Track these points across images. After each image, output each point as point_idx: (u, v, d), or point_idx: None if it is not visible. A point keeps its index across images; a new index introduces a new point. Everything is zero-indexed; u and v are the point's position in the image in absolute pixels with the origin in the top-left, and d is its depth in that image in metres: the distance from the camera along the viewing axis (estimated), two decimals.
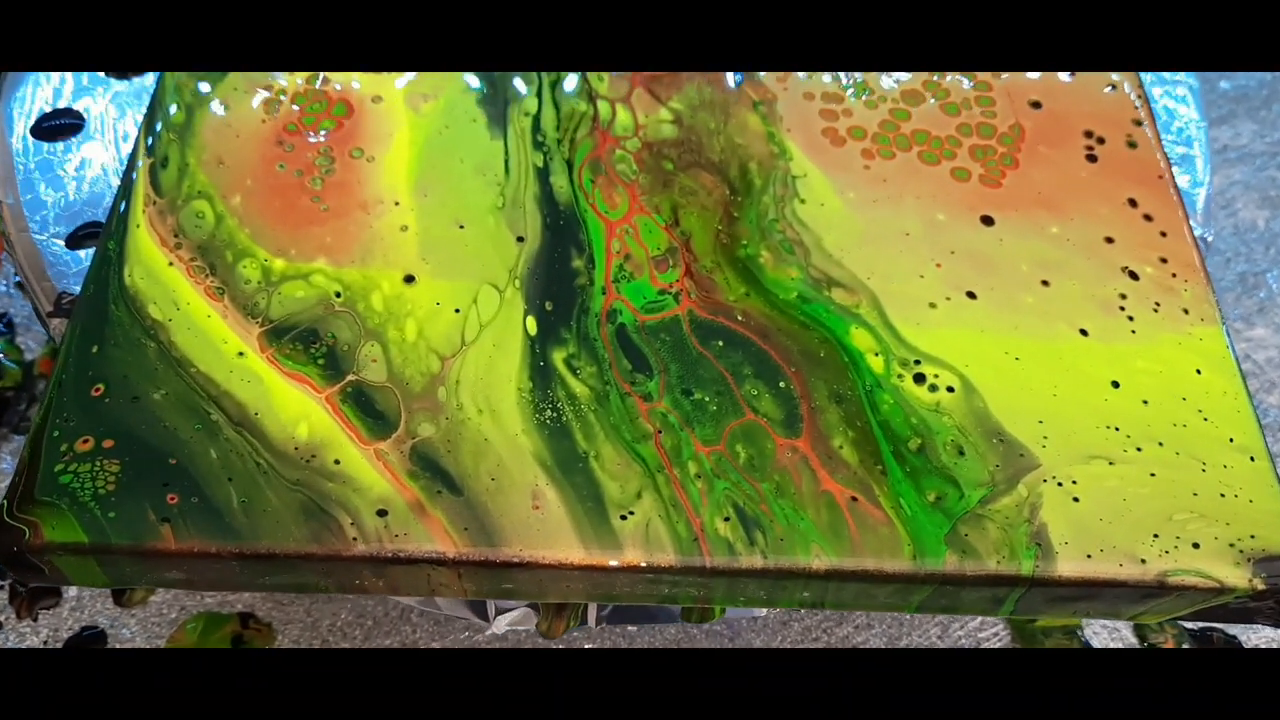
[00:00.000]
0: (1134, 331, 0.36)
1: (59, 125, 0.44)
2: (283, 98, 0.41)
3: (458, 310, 0.36)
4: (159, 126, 0.40)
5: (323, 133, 0.40)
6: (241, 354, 0.34)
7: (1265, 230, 0.61)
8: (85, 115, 0.44)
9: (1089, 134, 0.41)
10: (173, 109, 0.40)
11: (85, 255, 0.41)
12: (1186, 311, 0.37)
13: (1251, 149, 0.64)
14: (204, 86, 0.41)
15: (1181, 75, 0.49)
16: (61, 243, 0.41)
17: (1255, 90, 0.66)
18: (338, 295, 0.36)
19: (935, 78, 0.42)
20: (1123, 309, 0.37)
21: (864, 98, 0.42)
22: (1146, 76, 0.47)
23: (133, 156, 0.39)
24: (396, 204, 0.38)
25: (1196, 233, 0.43)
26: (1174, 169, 0.41)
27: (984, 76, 0.42)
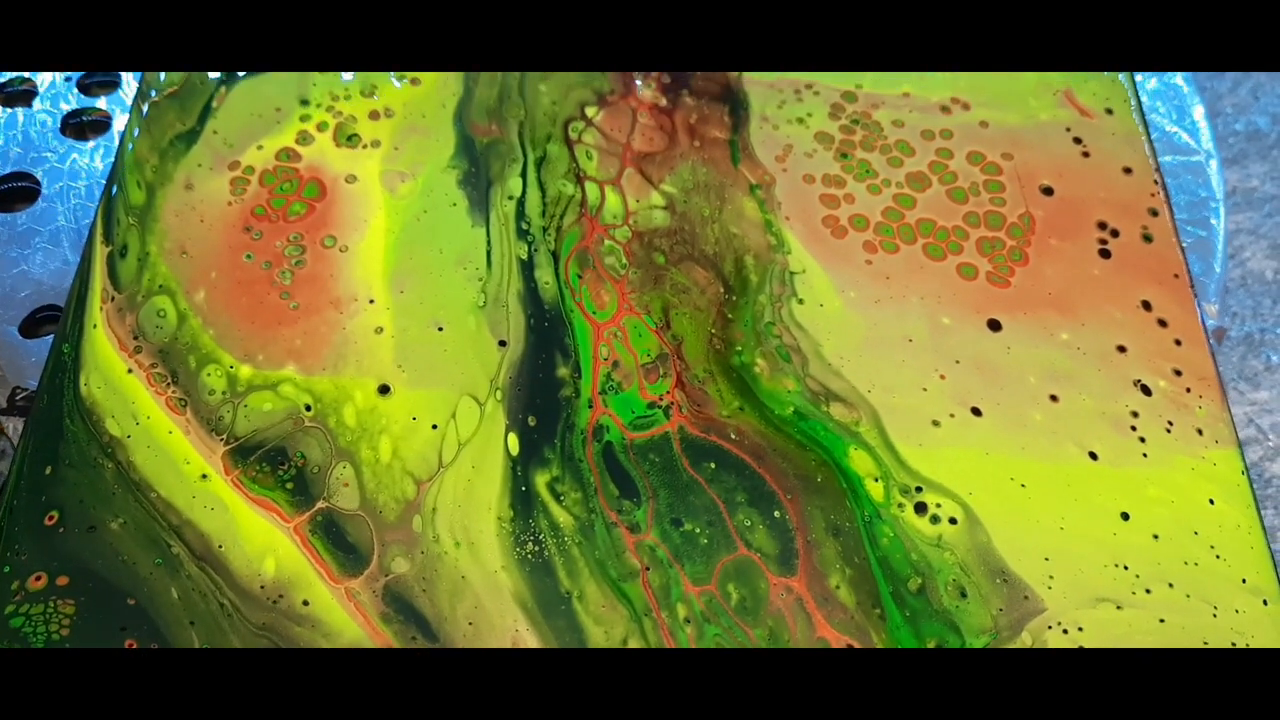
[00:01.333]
0: (1145, 455, 0.35)
1: (11, 190, 0.42)
2: (250, 175, 0.38)
3: (435, 426, 0.34)
4: (117, 207, 0.37)
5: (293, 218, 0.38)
6: (205, 476, 0.32)
7: (1273, 281, 0.59)
8: (40, 179, 0.42)
9: (1102, 225, 0.39)
10: (132, 188, 0.38)
11: (46, 345, 0.38)
12: (1200, 432, 0.35)
13: (1262, 192, 0.62)
14: (167, 163, 0.38)
15: (1204, 143, 0.47)
16: (14, 329, 0.38)
17: (1268, 129, 0.64)
18: (308, 408, 0.34)
19: (942, 159, 0.40)
20: (1134, 429, 0.35)
21: (867, 181, 0.40)
22: (1165, 154, 0.45)
23: (90, 241, 0.37)
24: (371, 301, 0.36)
25: (1211, 324, 0.42)
26: (1189, 254, 0.39)
27: (994, 158, 0.40)
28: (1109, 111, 0.42)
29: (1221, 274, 0.44)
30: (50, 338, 0.38)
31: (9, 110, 0.43)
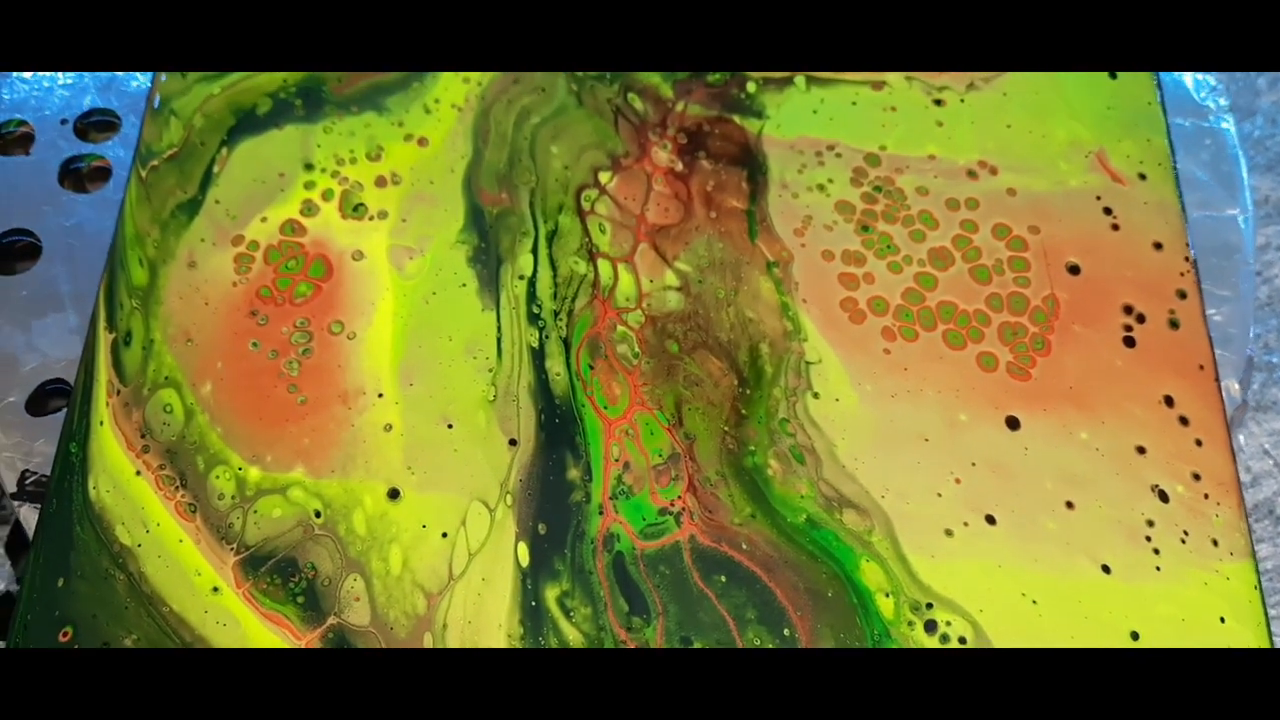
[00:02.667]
0: (1159, 568, 0.34)
1: (10, 246, 0.41)
2: (254, 251, 0.37)
3: (445, 535, 0.34)
4: (119, 289, 0.37)
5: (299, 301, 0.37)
6: (216, 589, 0.33)
7: None
8: (40, 237, 0.41)
9: (1128, 309, 0.38)
10: (135, 266, 0.37)
11: (52, 422, 0.38)
12: (1216, 543, 0.35)
13: None
14: (168, 237, 0.37)
15: (1244, 201, 0.45)
16: (21, 404, 0.38)
17: None
18: (317, 515, 0.34)
19: (966, 231, 0.39)
20: (1149, 539, 0.35)
21: (888, 258, 0.39)
22: (1194, 209, 0.44)
23: (93, 326, 0.36)
24: (380, 396, 0.35)
25: (1234, 403, 0.41)
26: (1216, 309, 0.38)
27: (1020, 231, 0.39)
28: (1142, 177, 0.40)
29: (1249, 339, 0.43)
30: (58, 414, 0.38)
31: (4, 158, 0.41)
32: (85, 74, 0.43)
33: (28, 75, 0.43)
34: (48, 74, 0.43)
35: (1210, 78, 0.47)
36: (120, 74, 0.43)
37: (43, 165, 0.42)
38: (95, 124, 0.43)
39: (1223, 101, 0.46)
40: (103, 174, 0.42)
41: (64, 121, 0.42)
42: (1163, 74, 0.45)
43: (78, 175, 0.42)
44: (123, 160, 0.42)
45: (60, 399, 0.38)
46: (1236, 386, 0.42)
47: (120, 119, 0.43)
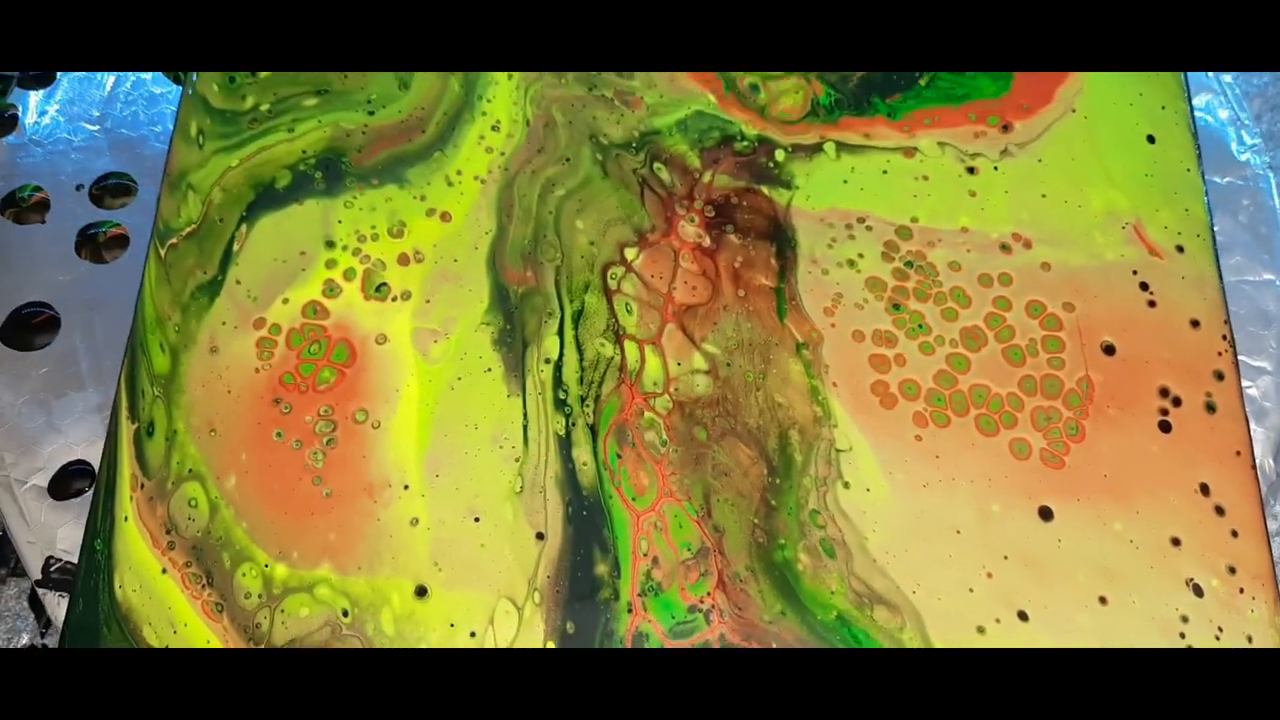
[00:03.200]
0: None
1: (28, 317, 0.40)
2: (276, 335, 0.37)
3: (473, 634, 0.33)
4: (141, 377, 0.36)
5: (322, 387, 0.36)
6: None
7: None
8: (58, 310, 0.40)
9: (1164, 392, 0.37)
10: (156, 352, 0.36)
11: (76, 506, 0.38)
12: (1250, 639, 0.34)
13: None
14: (189, 320, 0.37)
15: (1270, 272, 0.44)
16: (44, 488, 0.38)
17: None
18: (345, 614, 0.33)
19: (999, 309, 0.38)
20: (1183, 635, 0.34)
21: (920, 338, 0.38)
22: (1230, 274, 0.43)
23: (115, 414, 0.36)
24: (406, 488, 0.35)
25: (1269, 482, 0.40)
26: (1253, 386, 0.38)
27: (1054, 309, 0.38)
28: (1180, 249, 0.39)
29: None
30: (82, 497, 0.38)
31: (21, 226, 0.41)
32: (99, 135, 0.43)
33: (41, 139, 0.42)
34: (62, 138, 0.42)
35: (1249, 133, 0.46)
36: (134, 136, 0.43)
37: (59, 233, 0.41)
38: (111, 188, 0.42)
39: (1265, 158, 0.45)
40: (120, 242, 0.41)
41: (79, 187, 0.42)
42: (1202, 129, 0.44)
43: (95, 243, 0.41)
44: (140, 227, 0.41)
45: (83, 480, 0.38)
46: (1271, 463, 0.41)
47: (136, 183, 0.42)
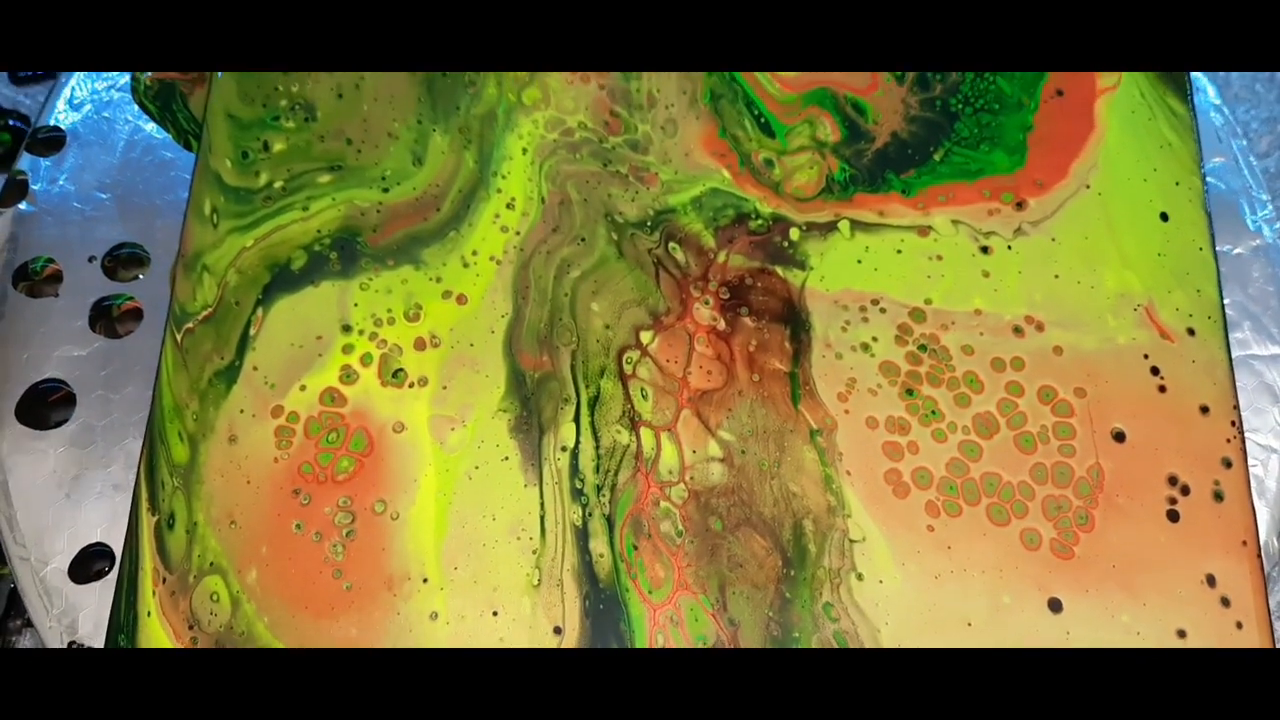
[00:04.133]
0: None
1: (44, 393, 0.40)
2: (294, 424, 0.37)
3: None
4: (160, 467, 0.36)
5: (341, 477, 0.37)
6: None
7: None
8: (74, 389, 0.40)
9: (1173, 480, 0.38)
10: (175, 441, 0.37)
11: (97, 589, 0.38)
12: None
13: None
14: (207, 408, 0.37)
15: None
16: (64, 570, 0.38)
17: None
18: None
19: (1012, 395, 0.39)
20: None
21: (933, 425, 0.38)
22: (1239, 348, 0.43)
23: (135, 505, 0.36)
24: (425, 581, 0.36)
25: (1273, 564, 0.41)
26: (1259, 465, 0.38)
27: (1066, 394, 0.39)
28: (1191, 332, 0.40)
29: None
30: (103, 581, 0.38)
31: (34, 299, 0.41)
32: (110, 204, 0.42)
33: (52, 208, 0.42)
34: (74, 207, 0.42)
35: (1259, 205, 0.46)
36: (146, 205, 0.42)
37: (73, 307, 0.41)
38: (124, 260, 0.42)
39: (1277, 228, 0.45)
40: (135, 315, 0.41)
41: (91, 259, 0.42)
42: (1213, 195, 0.44)
43: (109, 317, 0.41)
44: (154, 300, 0.41)
45: (103, 561, 0.38)
46: (1276, 542, 0.42)
47: (149, 254, 0.42)
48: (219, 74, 0.41)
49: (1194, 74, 0.47)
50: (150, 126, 0.44)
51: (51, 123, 0.44)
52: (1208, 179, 0.44)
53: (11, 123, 0.60)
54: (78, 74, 0.45)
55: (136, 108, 0.44)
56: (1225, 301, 0.41)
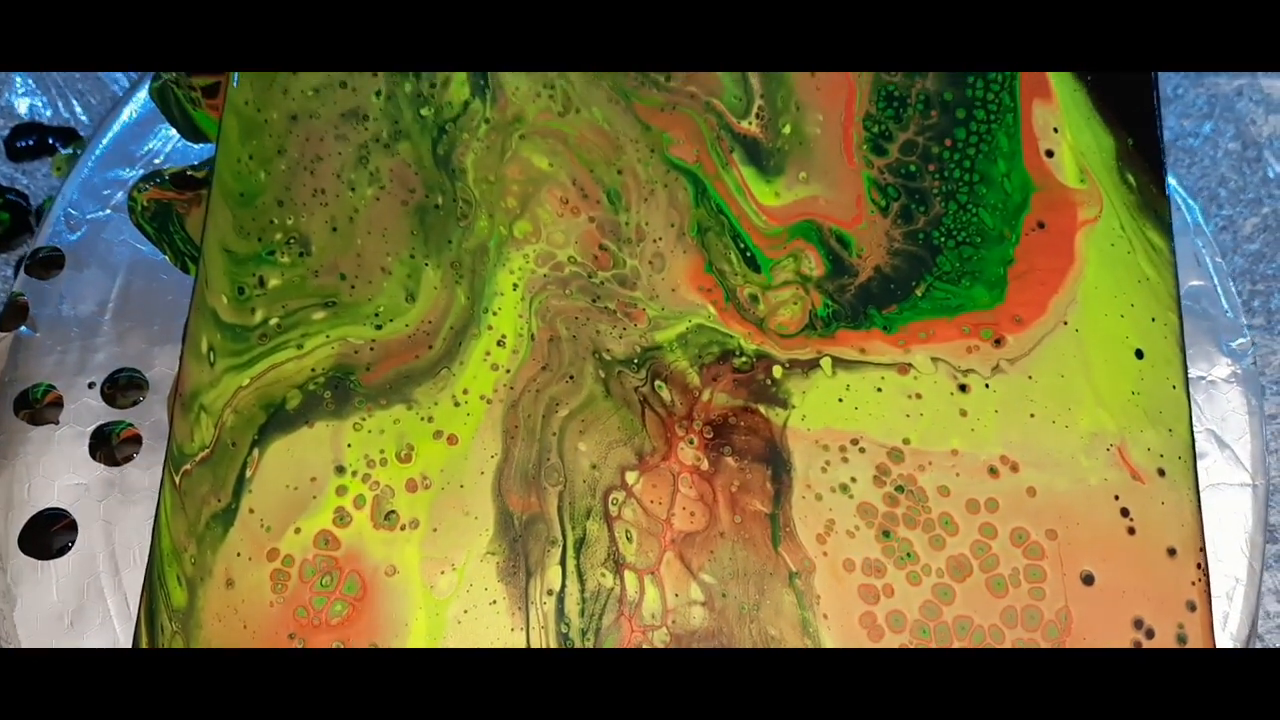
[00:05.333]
0: None
1: (44, 522, 0.42)
2: (290, 567, 0.38)
3: None
4: (160, 611, 0.38)
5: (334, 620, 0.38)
6: None
7: None
8: (75, 518, 0.41)
9: (1139, 623, 0.39)
10: (174, 585, 0.38)
11: None
12: None
13: None
14: (205, 551, 0.38)
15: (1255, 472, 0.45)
16: None
17: None
18: None
19: (985, 537, 0.40)
20: None
21: (907, 567, 0.39)
22: (1205, 476, 0.44)
23: (135, 646, 0.37)
24: None
25: None
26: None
27: (1038, 536, 0.40)
28: (1161, 473, 0.41)
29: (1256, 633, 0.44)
30: None
31: (35, 426, 0.42)
32: (109, 327, 0.43)
33: (52, 331, 0.43)
34: (73, 331, 0.43)
35: (1241, 318, 0.47)
36: (145, 329, 0.43)
37: (73, 434, 0.42)
38: (122, 385, 0.43)
39: (1249, 356, 0.46)
40: (134, 441, 0.42)
41: (91, 384, 0.43)
42: (1189, 319, 0.45)
43: (109, 446, 0.42)
44: (154, 426, 0.42)
45: None
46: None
47: (147, 380, 0.43)
48: (215, 203, 0.42)
49: (1175, 192, 0.47)
50: (147, 247, 0.45)
51: (49, 244, 0.44)
52: (1184, 302, 0.45)
53: (10, 197, 0.61)
54: (70, 192, 0.46)
55: (134, 228, 0.45)
56: (1196, 429, 0.42)
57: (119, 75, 0.56)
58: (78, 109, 0.55)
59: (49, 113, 0.56)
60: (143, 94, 0.48)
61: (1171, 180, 0.47)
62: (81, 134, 0.54)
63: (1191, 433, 0.41)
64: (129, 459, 0.42)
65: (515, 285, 0.42)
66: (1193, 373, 0.46)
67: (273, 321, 0.41)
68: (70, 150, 0.55)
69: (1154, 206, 0.44)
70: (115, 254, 0.45)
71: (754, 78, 0.45)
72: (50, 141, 0.59)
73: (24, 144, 0.60)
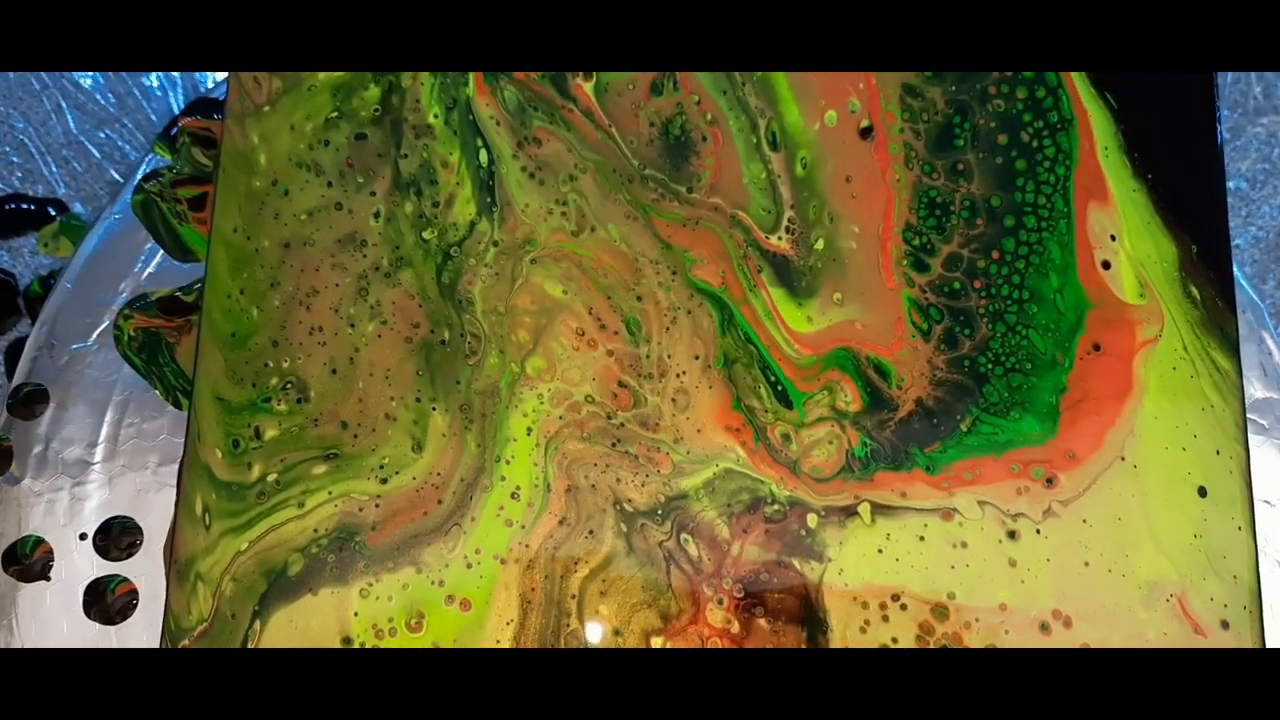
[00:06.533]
0: None
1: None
2: None
3: None
4: None
5: None
6: None
7: None
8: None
9: None
10: None
11: None
12: None
13: None
14: None
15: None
16: None
17: None
18: None
19: None
20: None
21: None
22: (1271, 622, 0.41)
23: None
24: None
25: None
26: None
27: None
28: (1224, 625, 0.38)
29: None
30: None
31: (26, 584, 0.40)
32: (100, 472, 0.41)
33: (38, 478, 0.41)
34: (61, 477, 0.41)
35: None
36: (137, 475, 0.41)
37: (66, 590, 0.40)
38: (116, 535, 0.41)
39: None
40: (131, 600, 0.40)
41: (83, 536, 0.40)
42: (1253, 439, 0.42)
43: (104, 602, 0.40)
44: (150, 578, 0.40)
45: None
46: None
47: (142, 529, 0.40)
48: (204, 347, 0.39)
49: (1251, 311, 0.44)
50: (137, 381, 0.42)
51: (33, 379, 0.42)
52: (1249, 414, 0.41)
53: None
54: (48, 322, 0.43)
55: (122, 362, 0.42)
56: (1262, 557, 0.40)
57: (115, 160, 0.52)
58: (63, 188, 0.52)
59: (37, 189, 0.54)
60: (125, 201, 0.44)
61: (1239, 275, 0.44)
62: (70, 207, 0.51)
63: (1258, 578, 0.39)
64: (127, 613, 0.40)
65: (529, 430, 0.39)
66: (1257, 493, 0.42)
67: (271, 478, 0.38)
68: (63, 219, 0.52)
69: (1219, 323, 0.41)
70: (103, 388, 0.42)
71: (783, 186, 0.41)
72: (31, 209, 0.56)
73: (12, 207, 0.57)
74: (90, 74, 0.54)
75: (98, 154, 0.54)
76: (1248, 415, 0.41)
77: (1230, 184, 0.55)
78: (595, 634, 0.38)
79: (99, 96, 0.55)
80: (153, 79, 0.54)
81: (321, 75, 0.41)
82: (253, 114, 0.41)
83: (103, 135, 0.54)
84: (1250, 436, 0.41)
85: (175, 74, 0.55)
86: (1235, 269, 0.42)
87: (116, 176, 0.53)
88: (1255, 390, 0.46)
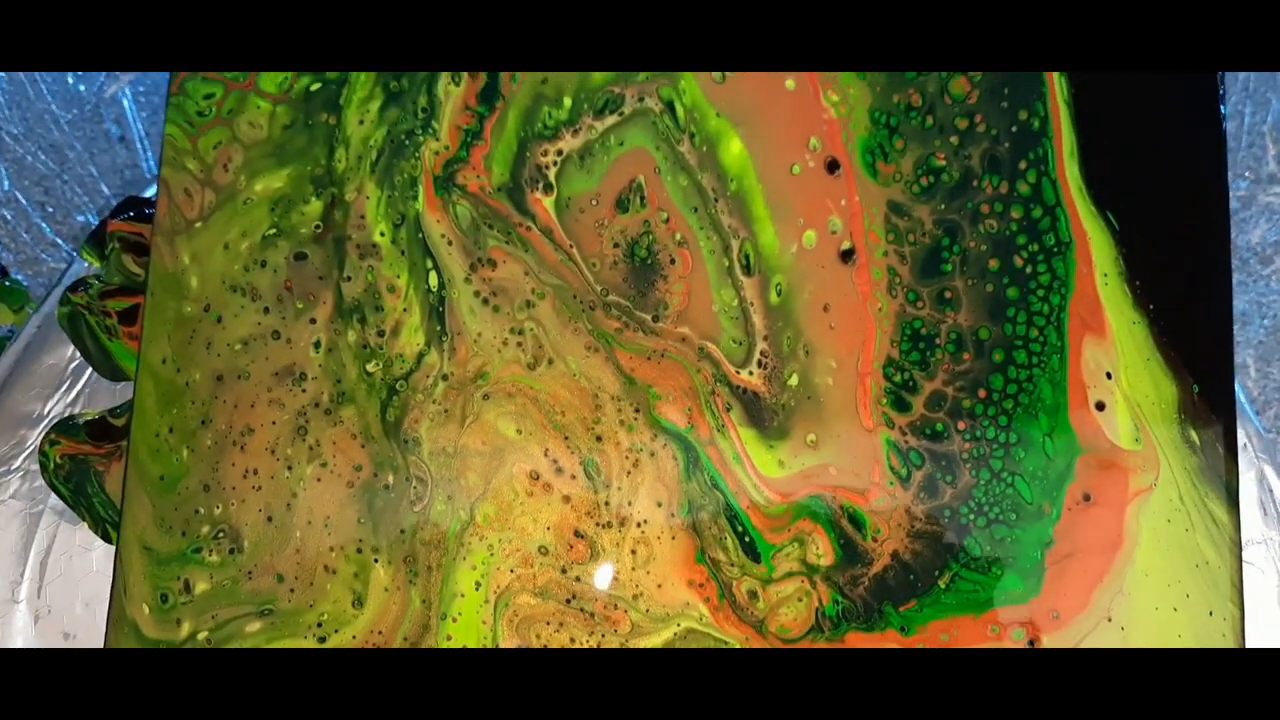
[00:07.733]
0: None
1: None
2: None
3: None
4: None
5: None
6: None
7: None
8: None
9: None
10: None
11: None
12: None
13: None
14: None
15: None
16: None
17: None
18: None
19: None
20: None
21: None
22: None
23: None
24: None
25: None
26: None
27: None
28: None
29: None
30: None
31: None
32: (25, 611, 0.38)
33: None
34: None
35: None
36: (61, 613, 0.38)
37: None
38: None
39: None
40: None
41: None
42: (1250, 581, 0.40)
43: None
44: None
45: None
46: None
47: None
48: (130, 490, 0.36)
49: (1241, 455, 0.41)
50: (64, 512, 0.39)
51: None
52: (1244, 561, 0.39)
53: None
54: None
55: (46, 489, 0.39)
56: None
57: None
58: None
59: None
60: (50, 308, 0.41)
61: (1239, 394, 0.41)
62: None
63: None
64: None
65: (478, 584, 0.37)
66: (1248, 643, 0.40)
67: (201, 635, 0.36)
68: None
69: (1218, 470, 0.38)
70: (26, 523, 0.39)
71: (756, 315, 0.38)
72: None
73: None
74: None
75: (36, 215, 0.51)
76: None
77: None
78: None
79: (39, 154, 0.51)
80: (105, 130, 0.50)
81: (258, 187, 0.38)
82: (183, 230, 0.38)
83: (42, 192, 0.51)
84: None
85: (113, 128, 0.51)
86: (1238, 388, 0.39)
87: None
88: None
